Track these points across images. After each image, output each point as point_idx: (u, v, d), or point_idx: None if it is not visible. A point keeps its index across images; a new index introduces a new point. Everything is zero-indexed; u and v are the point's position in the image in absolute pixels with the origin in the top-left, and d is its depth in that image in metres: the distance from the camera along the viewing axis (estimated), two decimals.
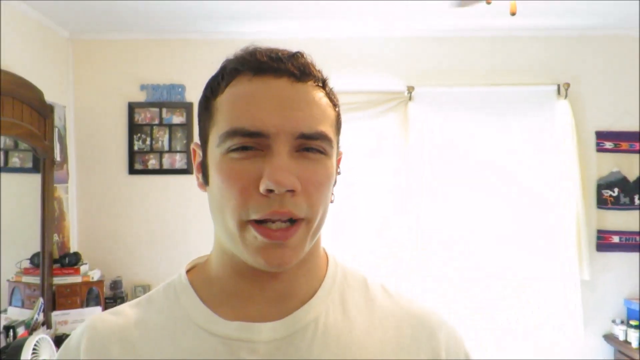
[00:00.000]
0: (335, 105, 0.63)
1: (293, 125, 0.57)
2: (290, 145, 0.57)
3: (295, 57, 0.60)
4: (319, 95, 0.60)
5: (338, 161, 0.67)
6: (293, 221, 0.57)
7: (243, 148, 0.57)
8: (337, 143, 0.65)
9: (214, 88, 0.61)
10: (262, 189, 0.55)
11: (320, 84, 0.62)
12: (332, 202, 0.65)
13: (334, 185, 0.65)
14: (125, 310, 0.67)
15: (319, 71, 0.62)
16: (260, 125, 0.56)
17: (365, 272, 0.71)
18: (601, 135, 3.35)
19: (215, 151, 0.59)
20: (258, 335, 0.60)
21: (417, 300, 0.70)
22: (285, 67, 0.58)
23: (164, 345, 0.61)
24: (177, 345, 0.61)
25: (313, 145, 0.58)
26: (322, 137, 0.58)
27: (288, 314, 0.62)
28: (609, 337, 3.26)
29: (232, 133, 0.57)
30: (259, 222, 0.56)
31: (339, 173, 0.68)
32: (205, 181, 0.63)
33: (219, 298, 0.64)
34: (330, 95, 0.63)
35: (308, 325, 0.61)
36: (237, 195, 0.56)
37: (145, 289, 3.25)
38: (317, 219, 0.60)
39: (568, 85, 3.30)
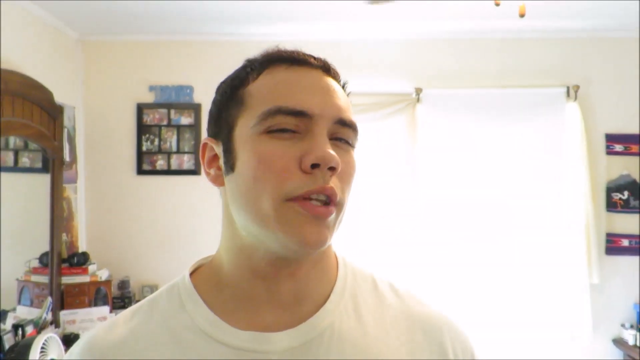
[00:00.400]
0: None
1: (334, 110, 0.59)
2: (328, 129, 0.58)
3: (319, 58, 0.63)
4: (344, 91, 0.64)
5: None
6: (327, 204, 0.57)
7: (281, 131, 0.57)
8: None
9: (242, 78, 0.62)
10: (308, 162, 0.55)
11: (342, 84, 0.65)
12: None
13: None
14: (125, 321, 0.64)
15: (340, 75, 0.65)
16: (304, 104, 0.57)
17: (373, 270, 0.71)
18: (611, 138, 3.33)
19: (248, 132, 0.59)
20: (272, 345, 0.58)
21: (425, 300, 0.69)
22: (317, 63, 0.62)
23: (172, 355, 0.59)
24: (186, 356, 0.59)
25: (343, 135, 0.60)
26: (354, 127, 0.61)
27: (302, 319, 0.61)
28: (618, 342, 3.23)
29: (275, 111, 0.57)
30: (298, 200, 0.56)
31: None
32: (229, 168, 0.61)
33: (231, 304, 0.62)
34: (348, 96, 0.65)
35: (324, 331, 0.60)
36: (277, 174, 0.56)
37: (153, 289, 3.26)
38: (344, 208, 0.60)
39: (578, 87, 3.28)
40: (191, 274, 0.67)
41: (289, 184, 0.56)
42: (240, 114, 0.60)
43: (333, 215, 0.57)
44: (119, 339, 0.61)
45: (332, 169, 0.56)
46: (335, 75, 0.63)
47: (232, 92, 0.62)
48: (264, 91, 0.59)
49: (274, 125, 0.57)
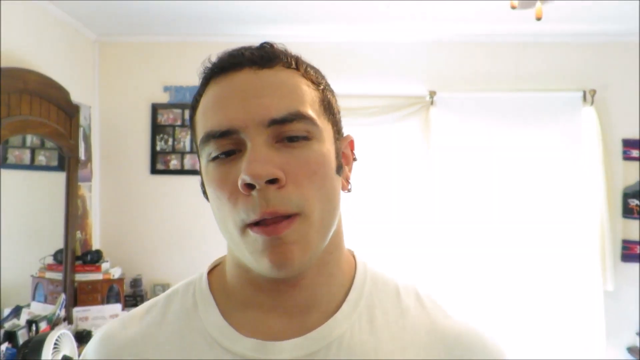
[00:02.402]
0: (318, 84, 0.59)
1: (260, 113, 0.53)
2: (266, 135, 0.53)
3: (260, 47, 0.58)
4: (290, 76, 0.56)
5: (350, 144, 0.64)
6: (286, 217, 0.52)
7: (225, 154, 0.54)
8: (335, 124, 0.60)
9: (194, 105, 0.60)
10: (239, 185, 0.51)
11: (293, 66, 0.57)
12: (349, 190, 0.61)
13: (349, 171, 0.61)
14: (140, 317, 0.63)
15: (290, 55, 0.58)
16: (226, 122, 0.53)
17: (398, 277, 0.65)
18: (628, 143, 3.28)
19: (202, 163, 0.58)
20: (276, 354, 0.56)
21: (455, 311, 0.63)
22: (244, 58, 0.56)
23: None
24: None
25: (293, 130, 0.53)
26: (298, 117, 0.53)
27: (310, 329, 0.57)
28: (633, 350, 3.18)
29: (206, 138, 0.55)
30: (255, 224, 0.53)
31: (355, 159, 0.64)
32: (205, 196, 0.61)
33: (237, 308, 0.60)
34: (308, 74, 0.58)
35: (331, 343, 0.56)
36: (226, 201, 0.53)
37: (165, 287, 3.28)
38: (317, 211, 0.54)
39: (594, 91, 3.24)
40: (210, 272, 0.65)
41: (238, 209, 0.53)
42: (197, 141, 0.59)
43: (296, 226, 0.52)
44: (131, 337, 0.61)
45: (273, 181, 0.51)
46: (271, 61, 0.56)
47: (190, 121, 0.61)
48: (200, 117, 0.57)
49: (213, 151, 0.54)
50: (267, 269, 0.53)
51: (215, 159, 0.55)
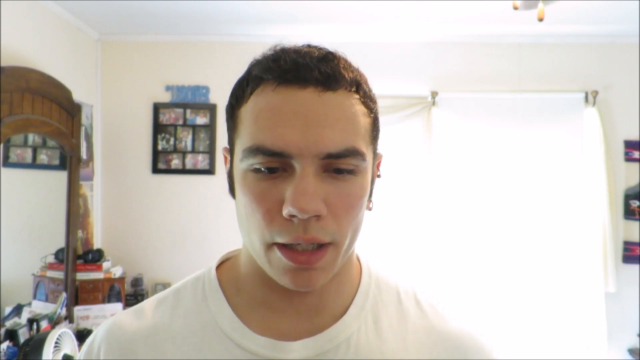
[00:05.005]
0: (371, 110, 0.58)
1: (318, 145, 0.52)
2: (316, 165, 0.52)
3: (326, 59, 0.55)
4: (351, 103, 0.55)
5: (378, 164, 0.65)
6: (319, 245, 0.53)
7: (267, 167, 0.53)
8: (374, 149, 0.61)
9: (238, 95, 0.57)
10: (284, 214, 0.51)
11: (354, 89, 0.56)
12: (370, 209, 0.62)
13: (372, 190, 0.62)
14: (149, 310, 0.64)
15: (352, 72, 0.56)
16: (282, 145, 0.51)
17: (398, 279, 0.68)
18: (630, 145, 3.27)
19: (239, 165, 0.56)
20: (287, 354, 0.58)
21: (451, 315, 0.65)
22: (312, 76, 0.53)
23: (190, 353, 0.59)
24: (204, 355, 0.58)
25: (343, 165, 0.53)
26: (353, 153, 0.53)
27: (319, 330, 0.59)
28: (634, 351, 3.18)
29: (255, 150, 0.53)
30: (284, 245, 0.53)
31: (379, 176, 0.65)
32: (231, 192, 0.61)
33: (248, 305, 0.61)
34: (366, 100, 0.57)
35: (340, 344, 0.59)
36: (260, 218, 0.53)
37: (166, 286, 3.26)
38: (347, 240, 0.56)
39: (596, 93, 3.24)
40: (218, 266, 0.66)
41: (271, 229, 0.53)
42: (235, 139, 0.57)
43: (326, 257, 0.54)
44: (142, 330, 0.61)
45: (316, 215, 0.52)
46: (336, 84, 0.54)
47: (231, 110, 0.59)
48: (249, 120, 0.54)
49: (256, 163, 0.53)
50: (288, 285, 0.55)
51: (257, 170, 0.54)
